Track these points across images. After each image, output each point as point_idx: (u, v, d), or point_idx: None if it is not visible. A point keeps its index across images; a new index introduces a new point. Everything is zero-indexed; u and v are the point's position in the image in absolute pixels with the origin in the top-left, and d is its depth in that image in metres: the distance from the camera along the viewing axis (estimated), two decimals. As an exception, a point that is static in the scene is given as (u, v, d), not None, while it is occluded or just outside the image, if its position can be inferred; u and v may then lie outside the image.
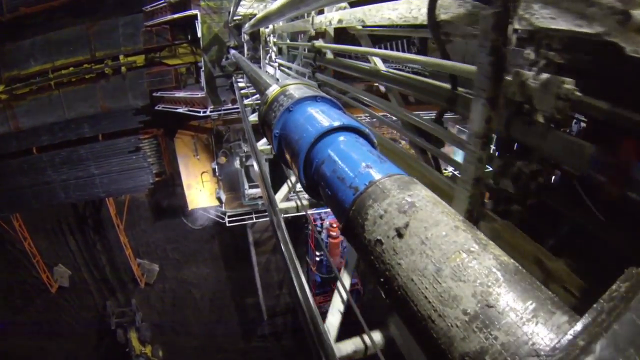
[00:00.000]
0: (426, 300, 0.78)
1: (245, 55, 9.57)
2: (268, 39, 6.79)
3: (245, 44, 10.11)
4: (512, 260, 0.79)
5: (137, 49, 15.28)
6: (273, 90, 2.11)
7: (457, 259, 0.79)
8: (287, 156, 1.82)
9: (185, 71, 15.53)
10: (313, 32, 4.75)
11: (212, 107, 14.56)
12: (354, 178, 1.21)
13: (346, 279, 2.61)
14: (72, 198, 15.42)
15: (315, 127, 1.56)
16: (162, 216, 18.55)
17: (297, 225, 16.42)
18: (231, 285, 19.15)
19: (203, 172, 15.88)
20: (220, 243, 18.82)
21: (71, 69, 15.24)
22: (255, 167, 3.06)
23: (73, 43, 15.23)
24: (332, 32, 4.59)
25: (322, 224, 14.91)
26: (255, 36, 8.55)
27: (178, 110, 14.57)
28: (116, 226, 17.25)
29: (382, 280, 0.95)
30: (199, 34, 13.85)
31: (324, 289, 15.15)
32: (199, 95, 14.26)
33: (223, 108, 14.57)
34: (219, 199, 14.66)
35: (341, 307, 2.29)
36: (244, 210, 14.89)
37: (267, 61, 7.12)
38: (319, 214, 14.55)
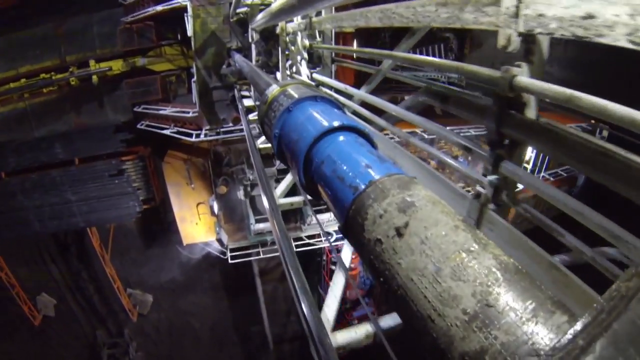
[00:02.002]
0: (426, 299, 0.78)
1: (254, 61, 7.35)
2: (293, 39, 4.95)
3: (253, 46, 7.47)
4: (512, 260, 0.79)
5: (116, 52, 12.29)
6: (273, 90, 2.11)
7: (456, 259, 0.79)
8: (287, 156, 1.82)
9: (175, 79, 12.47)
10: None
11: (208, 127, 11.71)
12: (353, 178, 1.21)
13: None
14: (48, 228, 12.86)
15: (314, 126, 1.56)
16: (154, 244, 16.27)
17: (310, 255, 14.58)
18: (234, 313, 17.52)
19: (199, 204, 12.87)
20: (222, 272, 16.75)
21: (42, 75, 12.23)
22: (265, 204, 2.58)
23: (40, 45, 12.25)
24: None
25: (338, 256, 13.91)
26: (269, 35, 6.41)
27: (165, 132, 11.60)
28: (100, 258, 14.99)
29: (382, 279, 0.94)
30: (190, 32, 10.49)
31: (337, 319, 14.68)
32: (190, 115, 11.21)
33: (222, 129, 11.67)
34: (219, 240, 11.93)
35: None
36: (249, 243, 12.39)
37: (289, 72, 5.35)
38: (335, 245, 12.81)
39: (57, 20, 12.31)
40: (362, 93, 3.13)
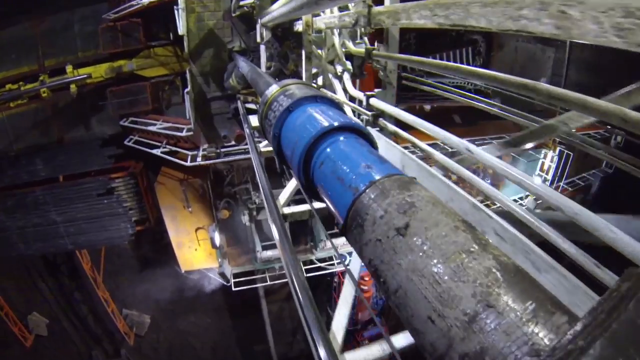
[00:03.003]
0: (426, 300, 0.78)
1: (264, 68, 6.03)
2: (320, 39, 3.95)
3: (262, 47, 6.10)
4: (512, 260, 0.79)
5: (100, 55, 10.49)
6: (273, 90, 2.11)
7: (456, 259, 0.79)
8: (287, 156, 1.82)
9: (167, 86, 10.56)
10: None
11: (206, 146, 9.87)
12: (353, 178, 1.21)
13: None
14: (33, 250, 11.79)
15: (314, 127, 1.56)
16: (151, 264, 15.13)
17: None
18: (237, 333, 16.57)
19: (198, 229, 11.40)
20: (223, 291, 15.42)
21: (9, 86, 10.30)
22: (275, 234, 2.33)
23: (16, 48, 10.47)
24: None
25: (347, 268, 13.26)
26: (285, 33, 5.22)
27: (155, 152, 9.81)
28: (92, 280, 13.85)
29: (382, 280, 0.95)
30: (182, 30, 8.58)
31: (348, 340, 13.84)
32: (184, 133, 9.21)
33: (224, 149, 9.87)
34: (222, 274, 10.77)
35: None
36: (255, 267, 11.20)
37: (316, 84, 4.24)
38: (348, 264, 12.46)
39: (35, 18, 10.34)
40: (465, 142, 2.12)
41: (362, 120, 2.78)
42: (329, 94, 3.70)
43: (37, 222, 11.22)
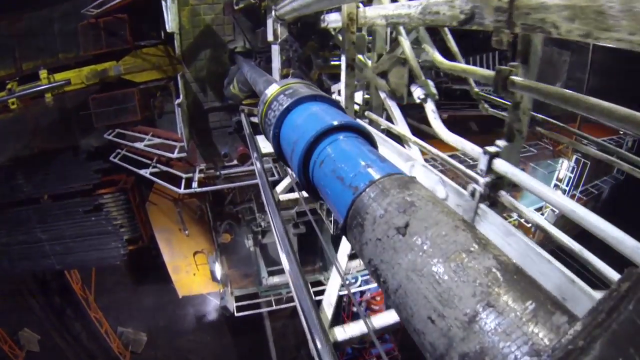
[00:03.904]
0: (426, 300, 0.78)
1: (278, 75, 4.87)
2: (376, 39, 3.10)
3: (276, 48, 4.77)
4: (512, 260, 0.79)
5: (83, 57, 9.03)
6: (273, 89, 2.11)
7: (457, 259, 0.79)
8: (287, 156, 1.82)
9: (159, 92, 9.02)
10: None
11: (203, 166, 8.51)
12: (353, 177, 1.21)
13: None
14: (19, 268, 10.92)
15: (314, 126, 1.56)
16: (146, 281, 14.25)
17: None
18: (238, 350, 15.93)
19: (196, 253, 10.25)
20: (224, 307, 14.42)
21: None
22: (285, 264, 2.18)
23: None
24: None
25: (361, 300, 12.04)
26: (307, 29, 4.09)
27: (143, 173, 8.43)
28: (82, 300, 12.93)
29: (381, 279, 0.94)
30: (171, 27, 7.11)
31: (357, 358, 13.38)
32: (176, 155, 7.85)
33: (223, 169, 8.46)
34: (224, 308, 9.61)
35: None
36: (259, 290, 10.11)
37: (359, 107, 3.36)
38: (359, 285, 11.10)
39: (11, 17, 9.17)
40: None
41: (471, 192, 1.62)
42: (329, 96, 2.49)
43: (21, 239, 10.26)
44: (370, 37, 3.30)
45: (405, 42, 2.75)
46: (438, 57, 2.64)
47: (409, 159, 2.27)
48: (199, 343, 15.65)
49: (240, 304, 9.75)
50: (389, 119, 3.03)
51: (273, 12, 4.29)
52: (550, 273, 1.25)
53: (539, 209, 10.39)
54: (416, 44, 2.93)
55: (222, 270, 9.62)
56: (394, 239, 0.93)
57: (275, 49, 4.81)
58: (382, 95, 3.09)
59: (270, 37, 4.87)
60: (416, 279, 0.82)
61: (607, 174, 12.10)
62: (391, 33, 3.10)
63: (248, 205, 9.47)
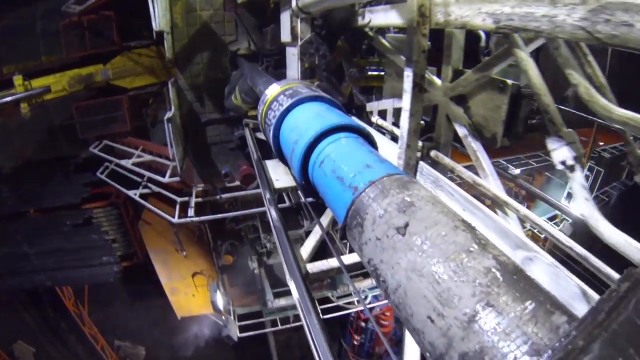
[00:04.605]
0: (425, 299, 0.78)
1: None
2: (453, 41, 2.27)
3: (294, 51, 3.66)
4: (511, 260, 0.79)
5: (67, 60, 7.90)
6: (273, 89, 2.11)
7: (456, 259, 0.79)
8: (287, 156, 1.82)
9: (152, 100, 7.93)
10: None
11: (201, 187, 7.35)
12: (353, 177, 1.21)
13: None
14: (7, 285, 10.24)
15: (314, 127, 1.56)
16: (143, 296, 13.81)
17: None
18: None
19: (195, 274, 9.54)
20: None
21: None
22: (295, 294, 1.97)
23: None
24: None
25: (367, 318, 11.51)
26: (333, 29, 3.34)
27: (132, 195, 7.41)
28: (76, 317, 12.28)
29: (381, 279, 0.94)
30: (158, 24, 5.64)
31: None
32: (167, 179, 6.80)
33: (224, 193, 7.27)
34: (228, 337, 8.79)
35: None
36: (263, 310, 9.32)
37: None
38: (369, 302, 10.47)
39: None
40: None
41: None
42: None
43: (7, 253, 9.51)
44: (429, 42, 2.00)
45: (529, 62, 1.75)
46: (596, 95, 1.50)
47: (517, 243, 1.56)
48: (200, 356, 15.09)
49: (243, 323, 8.98)
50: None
51: (294, 3, 3.23)
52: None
53: (552, 219, 10.30)
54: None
55: (224, 299, 8.68)
56: (393, 239, 0.93)
57: (292, 53, 3.63)
58: (462, 131, 2.19)
59: (286, 37, 3.67)
60: (416, 278, 0.82)
61: (617, 180, 12.04)
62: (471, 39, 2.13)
63: (251, 222, 8.44)
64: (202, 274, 9.53)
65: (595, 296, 1.21)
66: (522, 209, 1.79)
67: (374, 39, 3.14)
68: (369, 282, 8.47)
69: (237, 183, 7.01)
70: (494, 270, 0.75)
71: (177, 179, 6.78)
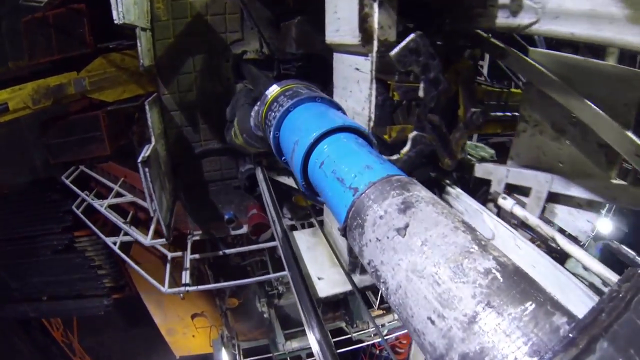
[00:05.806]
0: (426, 300, 0.78)
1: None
2: None
3: (361, 67, 1.99)
4: (511, 261, 0.79)
5: (40, 66, 5.76)
6: (273, 90, 2.11)
7: (456, 260, 0.79)
8: (287, 157, 1.82)
9: (137, 114, 5.76)
10: None
11: (197, 235, 5.36)
12: (353, 178, 1.21)
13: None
14: None
15: (314, 127, 1.56)
16: (139, 323, 12.44)
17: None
18: None
19: (195, 316, 8.58)
20: None
21: None
22: (314, 346, 1.74)
23: None
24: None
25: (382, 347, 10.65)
26: (451, 34, 1.98)
27: (111, 245, 5.62)
28: (65, 347, 11.27)
29: (381, 280, 0.95)
30: (122, 16, 3.20)
31: None
32: (149, 241, 5.06)
33: (227, 245, 5.79)
34: None
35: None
36: (273, 353, 8.20)
37: None
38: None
39: None
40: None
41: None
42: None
43: None
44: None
45: None
46: None
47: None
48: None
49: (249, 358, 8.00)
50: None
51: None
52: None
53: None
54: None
55: (230, 357, 7.50)
56: (394, 240, 0.93)
57: (355, 67, 2.14)
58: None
59: (342, 35, 2.13)
60: (416, 279, 0.82)
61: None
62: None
63: (259, 258, 6.89)
64: (203, 315, 8.38)
65: (595, 297, 1.21)
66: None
67: (507, 54, 1.75)
68: (390, 317, 7.80)
69: (244, 229, 5.17)
70: (494, 271, 0.75)
71: (162, 240, 4.99)
